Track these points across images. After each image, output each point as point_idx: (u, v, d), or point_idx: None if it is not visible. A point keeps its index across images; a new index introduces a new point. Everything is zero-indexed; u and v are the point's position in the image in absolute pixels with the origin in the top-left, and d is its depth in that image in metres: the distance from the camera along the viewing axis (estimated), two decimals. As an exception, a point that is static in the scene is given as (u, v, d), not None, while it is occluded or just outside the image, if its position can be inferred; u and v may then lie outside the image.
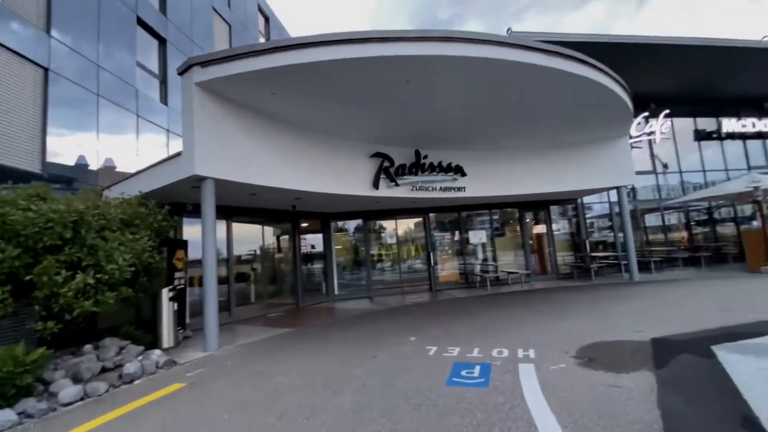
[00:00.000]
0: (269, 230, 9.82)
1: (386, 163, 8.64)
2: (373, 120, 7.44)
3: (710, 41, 11.22)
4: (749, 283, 8.58)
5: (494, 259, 11.88)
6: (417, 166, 9.04)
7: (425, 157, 9.12)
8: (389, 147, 8.73)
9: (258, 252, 9.42)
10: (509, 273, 11.27)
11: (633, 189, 13.44)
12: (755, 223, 13.33)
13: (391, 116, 7.32)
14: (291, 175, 6.93)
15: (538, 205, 12.38)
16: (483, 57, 5.47)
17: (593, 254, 12.08)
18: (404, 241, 11.87)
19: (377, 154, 8.56)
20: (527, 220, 12.43)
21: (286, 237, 10.23)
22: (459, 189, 9.49)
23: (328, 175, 7.68)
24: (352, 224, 11.68)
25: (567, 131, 9.27)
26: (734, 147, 14.91)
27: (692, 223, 14.24)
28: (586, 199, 12.85)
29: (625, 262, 11.25)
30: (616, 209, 13.08)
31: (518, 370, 3.90)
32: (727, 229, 14.40)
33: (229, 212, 8.30)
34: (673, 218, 14.24)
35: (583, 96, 7.11)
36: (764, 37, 11.80)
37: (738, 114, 14.61)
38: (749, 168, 14.67)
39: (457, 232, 12.14)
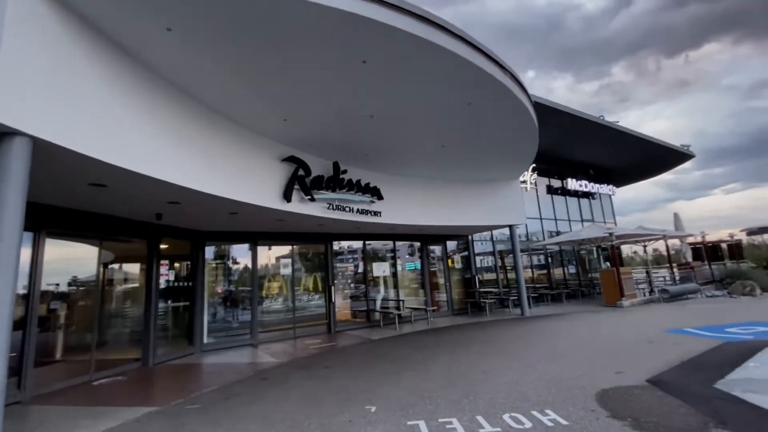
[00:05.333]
0: (111, 251, 6.65)
1: (301, 172, 6.92)
2: (296, 112, 5.76)
3: (567, 108, 13.37)
4: (618, 314, 9.75)
5: (398, 294, 10.92)
6: (336, 181, 7.56)
7: (344, 172, 7.75)
8: (306, 154, 7.09)
9: (84, 282, 6.15)
10: (413, 310, 10.44)
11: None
12: (608, 264, 16.08)
13: (317, 109, 5.76)
14: (176, 164, 4.59)
15: (437, 239, 12.21)
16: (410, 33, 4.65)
17: (484, 290, 12.36)
18: (301, 272, 9.89)
19: (291, 159, 6.79)
20: (428, 254, 12.04)
21: (137, 264, 7.13)
22: (375, 213, 8.35)
23: (228, 176, 5.52)
24: (235, 249, 9.13)
25: (476, 162, 9.26)
26: (572, 202, 18.17)
27: (552, 263, 16.36)
28: (474, 237, 13.36)
29: (512, 297, 11.82)
30: (498, 247, 14.04)
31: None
32: (572, 269, 17.06)
33: (41, 217, 5.17)
34: (535, 259, 16.09)
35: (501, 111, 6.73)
36: (601, 115, 14.90)
37: (576, 176, 17.96)
38: (582, 220, 18.02)
39: (361, 264, 10.81)
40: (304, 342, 8.33)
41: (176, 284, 7.65)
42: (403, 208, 8.86)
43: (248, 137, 6.05)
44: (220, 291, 8.80)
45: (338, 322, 9.71)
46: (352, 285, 10.62)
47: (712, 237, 19.54)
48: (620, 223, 20.16)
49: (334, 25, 3.84)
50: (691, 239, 18.21)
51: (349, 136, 6.85)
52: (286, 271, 9.52)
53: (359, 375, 5.30)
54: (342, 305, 10.19)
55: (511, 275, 13.62)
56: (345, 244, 10.65)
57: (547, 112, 11.18)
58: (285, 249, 9.60)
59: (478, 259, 13.31)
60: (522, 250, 14.08)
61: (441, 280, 12.22)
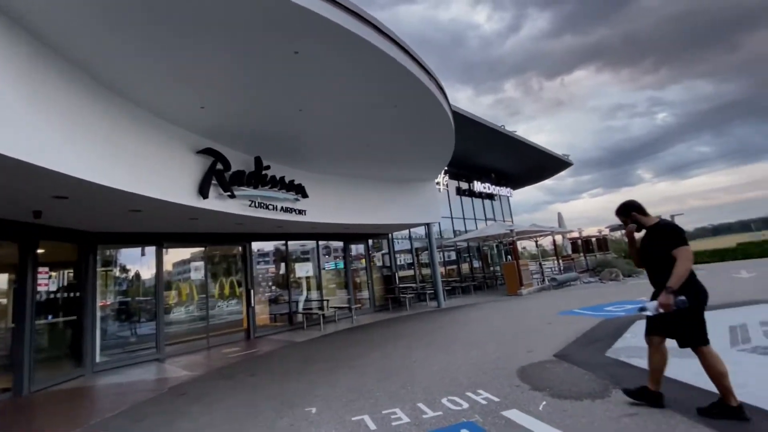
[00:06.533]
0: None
1: (219, 166, 6.38)
2: (215, 99, 5.29)
3: (475, 116, 14.67)
4: (519, 301, 10.98)
5: (321, 294, 10.72)
6: (258, 177, 7.13)
7: (267, 167, 7.35)
8: (225, 147, 6.56)
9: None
10: (337, 309, 10.37)
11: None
12: (510, 258, 17.80)
13: (240, 98, 5.39)
14: (66, 150, 3.85)
15: (360, 238, 12.31)
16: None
17: (403, 286, 12.85)
18: (215, 276, 9.08)
19: (208, 151, 6.21)
20: (351, 254, 12.06)
21: (5, 273, 5.80)
22: (300, 212, 8.09)
23: (133, 167, 4.83)
24: (134, 253, 7.99)
25: (399, 162, 9.61)
26: (477, 203, 19.91)
27: (462, 258, 17.69)
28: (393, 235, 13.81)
29: (429, 291, 12.51)
30: (416, 244, 14.72)
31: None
32: (474, 263, 18.67)
33: None
34: (446, 255, 17.25)
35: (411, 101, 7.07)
36: (502, 125, 16.61)
37: (481, 179, 19.71)
38: (486, 219, 19.87)
39: (282, 265, 10.34)
40: (222, 351, 7.68)
41: (60, 296, 6.42)
42: (328, 206, 8.74)
43: (159, 125, 5.37)
44: (113, 302, 7.62)
45: (258, 327, 9.17)
46: (273, 287, 10.12)
47: (585, 233, 23.25)
48: (515, 222, 22.75)
49: (263, 10, 3.63)
50: (570, 235, 21.34)
51: (275, 130, 6.53)
52: (198, 275, 8.66)
53: (291, 379, 5.08)
54: (262, 309, 9.64)
55: (427, 271, 14.41)
56: (265, 244, 10.10)
57: (458, 119, 12.04)
58: (197, 251, 8.74)
59: (397, 256, 13.77)
60: (438, 247, 14.97)
61: (363, 279, 12.35)
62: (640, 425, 2.73)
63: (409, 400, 3.73)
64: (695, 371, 3.00)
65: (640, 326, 5.82)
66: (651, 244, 3.06)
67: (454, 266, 17.05)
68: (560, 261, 18.49)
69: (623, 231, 3.35)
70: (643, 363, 3.95)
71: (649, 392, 3.01)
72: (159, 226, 7.38)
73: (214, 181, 6.24)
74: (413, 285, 13.51)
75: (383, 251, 13.59)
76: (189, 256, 8.72)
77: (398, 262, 13.79)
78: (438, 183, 15.84)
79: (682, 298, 2.70)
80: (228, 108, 5.55)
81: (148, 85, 4.65)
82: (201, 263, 8.72)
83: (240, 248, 9.40)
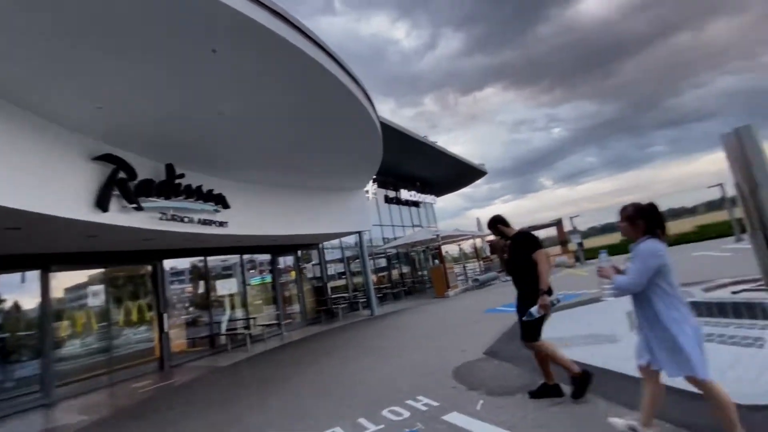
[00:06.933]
0: None
1: (122, 174, 5.61)
2: (117, 99, 4.65)
3: (400, 127, 15.10)
4: (447, 303, 11.43)
5: (247, 312, 9.99)
6: (170, 187, 6.42)
7: (181, 176, 6.67)
8: (130, 153, 5.80)
9: None
10: (265, 327, 9.76)
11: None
12: (437, 262, 18.39)
13: (148, 97, 4.82)
14: None
15: (289, 249, 11.80)
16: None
17: (336, 296, 12.60)
18: (119, 300, 7.93)
19: (107, 158, 5.41)
20: (279, 266, 11.48)
21: None
22: (221, 224, 7.46)
23: (12, 177, 4.01)
24: (9, 279, 6.62)
25: (328, 170, 9.46)
26: (405, 210, 20.45)
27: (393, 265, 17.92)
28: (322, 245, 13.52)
29: (362, 300, 12.44)
30: (347, 253, 14.58)
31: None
32: (406, 269, 19.10)
33: None
34: (376, 262, 17.36)
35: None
36: (425, 135, 17.33)
37: (408, 187, 20.30)
38: (413, 225, 20.49)
39: (201, 283, 9.43)
40: (130, 386, 6.70)
41: None
42: (253, 217, 8.22)
43: (43, 126, 4.55)
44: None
45: (174, 355, 8.21)
46: (191, 309, 9.18)
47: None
48: (439, 227, 23.85)
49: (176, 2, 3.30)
50: (489, 238, 22.99)
51: (191, 135, 5.96)
52: (98, 301, 7.50)
53: (215, 410, 4.59)
54: (178, 334, 8.66)
55: (359, 279, 14.33)
56: (180, 261, 9.13)
57: (384, 129, 12.27)
58: (96, 273, 7.57)
59: (328, 266, 13.48)
60: (369, 255, 14.98)
61: (294, 292, 11.84)
62: (567, 411, 2.95)
63: (349, 417, 3.58)
64: (606, 355, 3.33)
65: (557, 318, 6.41)
66: (514, 252, 3.46)
67: (385, 273, 17.23)
68: (481, 262, 19.76)
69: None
70: (569, 353, 4.31)
71: (549, 386, 3.30)
72: (47, 246, 6.26)
73: (116, 192, 5.47)
74: (345, 294, 13.32)
75: (314, 262, 13.20)
76: (86, 280, 7.51)
77: (329, 273, 13.50)
78: (367, 191, 15.93)
79: (557, 296, 3.27)
80: (132, 109, 4.91)
81: (24, 77, 3.91)
82: (101, 287, 7.57)
83: (150, 267, 8.37)
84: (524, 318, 3.29)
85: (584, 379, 3.10)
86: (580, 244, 20.66)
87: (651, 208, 2.31)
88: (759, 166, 5.13)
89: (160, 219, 6.21)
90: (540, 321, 3.26)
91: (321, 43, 4.75)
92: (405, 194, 19.79)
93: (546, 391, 3.28)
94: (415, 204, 21.25)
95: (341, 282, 14.12)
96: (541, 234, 23.75)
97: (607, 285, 2.36)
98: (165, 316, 8.19)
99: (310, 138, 7.05)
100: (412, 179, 20.92)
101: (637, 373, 2.43)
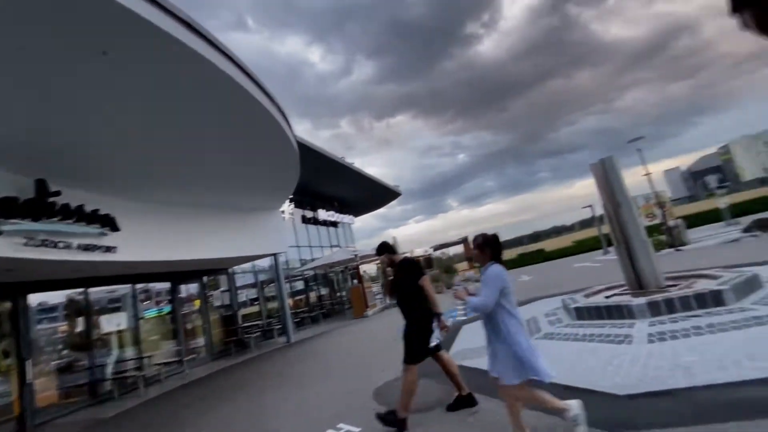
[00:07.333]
0: None
1: (-29, 192, 4.58)
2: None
3: (318, 147, 15.07)
4: (366, 323, 11.40)
5: (140, 350, 8.69)
6: (41, 206, 5.41)
7: (57, 193, 5.67)
8: (-17, 164, 4.78)
9: None
10: (163, 365, 8.60)
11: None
12: (356, 282, 18.18)
13: (12, 100, 4.09)
14: None
15: (192, 276, 10.70)
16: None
17: (247, 324, 11.71)
18: (-41, 349, 6.27)
19: (-49, 171, 4.39)
20: (181, 295, 10.31)
21: None
22: (108, 249, 6.48)
23: None
24: None
25: (240, 189, 8.96)
26: (323, 230, 20.19)
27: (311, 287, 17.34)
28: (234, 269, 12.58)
29: (277, 327, 11.78)
30: (261, 277, 13.76)
31: None
32: (325, 291, 18.69)
33: None
34: (293, 285, 16.70)
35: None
36: (342, 156, 17.49)
37: (326, 207, 20.13)
38: (331, 246, 20.27)
39: (81, 320, 7.96)
40: (-29, 459, 5.28)
41: None
42: (149, 241, 7.30)
43: None
44: None
45: (41, 410, 6.73)
46: (66, 351, 7.68)
47: (415, 254, 26.31)
48: (357, 247, 24.01)
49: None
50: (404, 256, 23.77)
51: (70, 146, 5.15)
52: (-75, 352, 5.85)
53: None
54: (48, 384, 7.15)
55: (274, 305, 13.57)
56: (52, 295, 7.65)
57: (302, 149, 12.12)
58: None
59: (239, 293, 12.53)
60: (285, 278, 14.33)
61: (198, 323, 10.70)
62: (481, 419, 3.10)
63: (264, 456, 3.29)
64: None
65: (470, 331, 6.83)
66: (400, 277, 3.58)
67: (303, 296, 16.63)
68: (398, 281, 20.26)
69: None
70: (476, 363, 4.58)
71: (462, 397, 3.44)
72: None
73: (-40, 213, 4.43)
74: (259, 322, 12.46)
75: (222, 288, 12.16)
76: None
77: (241, 299, 12.54)
78: (284, 211, 15.39)
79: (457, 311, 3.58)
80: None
81: None
82: (-69, 333, 5.94)
83: (9, 304, 6.85)
84: (432, 345, 3.41)
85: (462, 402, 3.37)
86: (485, 260, 22.49)
87: (494, 238, 2.63)
88: (619, 190, 6.24)
89: (26, 245, 5.18)
90: (426, 342, 3.38)
91: (231, 54, 4.54)
92: (323, 214, 19.59)
93: (461, 403, 3.42)
94: (334, 224, 21.14)
95: (254, 308, 13.21)
96: (449, 251, 25.38)
97: (462, 306, 2.60)
98: (28, 363, 6.71)
99: (220, 156, 6.62)
100: (330, 199, 20.84)
101: (535, 377, 2.65)
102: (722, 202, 23.25)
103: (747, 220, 17.11)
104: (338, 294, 19.40)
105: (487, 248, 2.59)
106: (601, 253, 23.04)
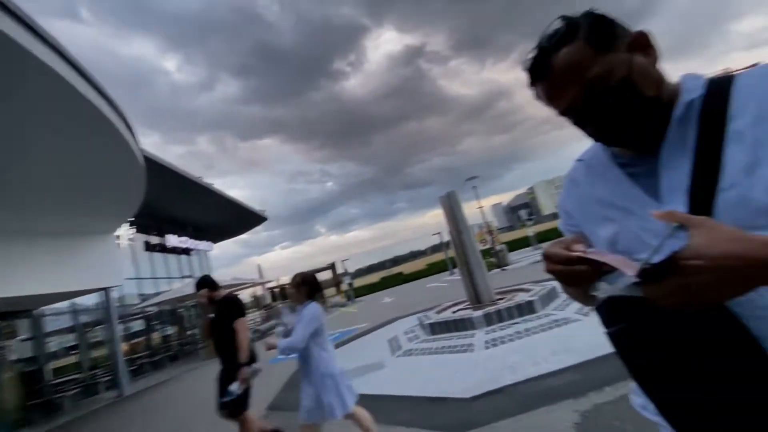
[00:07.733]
0: None
1: None
2: None
3: (170, 164, 13.31)
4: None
5: None
6: None
7: None
8: None
9: None
10: None
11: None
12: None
13: None
14: None
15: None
16: None
17: (60, 380, 9.20)
18: None
19: None
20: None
21: None
22: None
23: None
24: None
25: (58, 209, 7.25)
26: (173, 259, 17.65)
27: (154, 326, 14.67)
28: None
29: (105, 378, 9.63)
30: (83, 318, 11.11)
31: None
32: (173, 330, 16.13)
33: None
34: (131, 326, 13.95)
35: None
36: (200, 176, 15.80)
37: (177, 232, 17.71)
38: (182, 276, 17.84)
39: None
40: None
41: None
42: None
43: None
44: None
45: None
46: None
47: (282, 281, 25.31)
48: (216, 277, 21.73)
49: None
50: (269, 285, 22.60)
51: None
52: None
53: None
54: None
55: (101, 352, 11.06)
56: None
57: (149, 165, 10.56)
58: None
59: (49, 340, 9.81)
60: (119, 317, 11.88)
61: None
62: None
63: None
64: (377, 382, 3.80)
65: (338, 353, 6.82)
66: (218, 316, 3.28)
67: (143, 338, 14.00)
68: (263, 311, 19.06)
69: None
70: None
71: None
72: None
73: None
74: (78, 375, 9.92)
75: (22, 337, 9.33)
76: None
77: (51, 349, 9.80)
78: (119, 237, 12.92)
79: (258, 366, 3.29)
80: None
81: None
82: None
83: None
84: (224, 399, 3.08)
85: None
86: (351, 284, 23.20)
87: (312, 277, 2.75)
88: (461, 219, 7.38)
89: None
90: (245, 393, 3.16)
91: (44, 33, 3.69)
92: (173, 240, 17.20)
93: None
94: (186, 251, 18.72)
95: (72, 359, 10.49)
96: (319, 276, 25.40)
97: (274, 352, 2.49)
98: None
99: (34, 165, 5.29)
100: (183, 224, 18.48)
101: (406, 392, 2.84)
102: (530, 231, 29.53)
103: (547, 245, 22.19)
104: (189, 333, 16.98)
105: (303, 287, 2.63)
106: (448, 273, 26.38)
